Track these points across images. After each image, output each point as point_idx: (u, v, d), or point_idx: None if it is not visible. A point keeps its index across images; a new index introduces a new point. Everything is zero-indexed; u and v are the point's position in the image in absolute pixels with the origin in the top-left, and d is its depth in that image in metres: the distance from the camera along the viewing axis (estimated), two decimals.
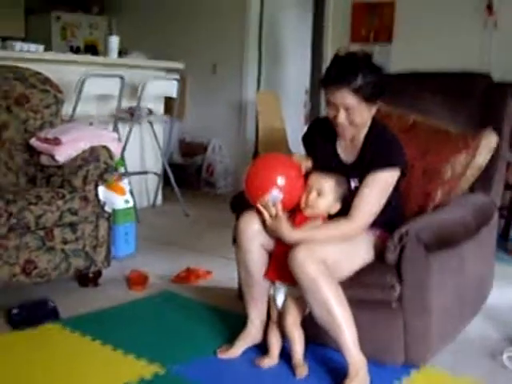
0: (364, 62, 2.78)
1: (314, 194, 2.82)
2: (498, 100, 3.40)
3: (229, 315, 3.47)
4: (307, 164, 2.94)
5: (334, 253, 2.73)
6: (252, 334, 2.99)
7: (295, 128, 6.95)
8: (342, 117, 2.77)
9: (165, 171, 6.30)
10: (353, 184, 2.86)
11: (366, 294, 2.82)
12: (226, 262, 4.29)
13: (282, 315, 2.86)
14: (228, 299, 3.69)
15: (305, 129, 3.25)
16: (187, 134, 7.87)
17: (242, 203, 3.01)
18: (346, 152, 2.95)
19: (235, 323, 3.26)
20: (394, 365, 2.88)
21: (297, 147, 6.13)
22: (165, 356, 2.94)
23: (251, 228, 2.86)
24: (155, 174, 6.40)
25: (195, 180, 7.65)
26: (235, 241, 3.20)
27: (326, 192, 2.81)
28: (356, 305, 2.73)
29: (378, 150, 2.81)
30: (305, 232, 2.76)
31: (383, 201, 2.81)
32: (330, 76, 2.78)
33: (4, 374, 2.77)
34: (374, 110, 2.83)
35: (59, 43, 8.71)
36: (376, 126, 2.90)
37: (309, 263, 2.61)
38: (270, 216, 2.77)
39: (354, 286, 2.78)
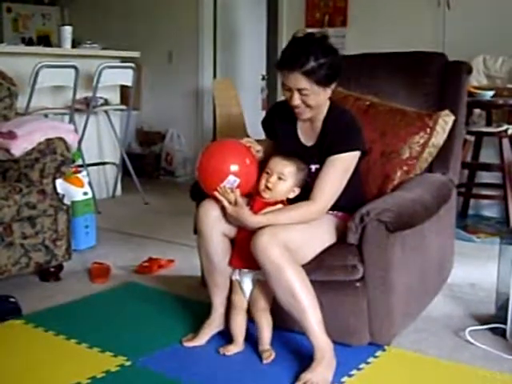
0: (318, 43, 2.77)
1: (274, 177, 2.81)
2: (453, 79, 3.42)
3: (193, 303, 3.46)
4: (256, 147, 2.93)
5: (297, 236, 2.73)
6: (217, 321, 2.99)
7: (253, 114, 6.95)
8: (296, 99, 2.77)
9: (123, 161, 6.24)
10: (313, 167, 2.87)
11: (330, 276, 2.82)
12: (188, 250, 4.28)
13: (251, 301, 2.86)
14: (191, 287, 3.68)
15: (263, 114, 3.24)
16: (144, 124, 7.82)
17: (201, 191, 3.00)
18: (306, 135, 2.95)
19: (199, 311, 3.25)
20: (359, 345, 2.90)
21: (255, 133, 6.13)
22: (130, 348, 2.92)
23: (211, 215, 2.84)
24: (113, 164, 6.34)
25: (154, 169, 7.61)
26: (196, 230, 3.19)
27: (286, 176, 2.81)
28: (319, 287, 2.73)
29: (337, 134, 2.82)
30: (267, 216, 2.76)
31: (344, 182, 2.83)
32: (283, 58, 2.79)
33: None
34: (328, 92, 2.82)
35: (11, 35, 8.56)
36: (335, 108, 2.91)
37: (272, 248, 2.61)
38: (230, 203, 2.76)
39: (317, 268, 2.78)
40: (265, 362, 2.77)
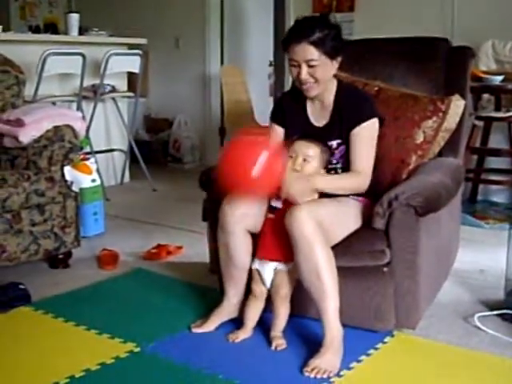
0: (320, 18, 2.89)
1: (300, 159, 2.82)
2: (457, 64, 3.41)
3: (201, 289, 3.46)
4: None
5: (331, 216, 2.74)
6: (227, 310, 2.98)
7: (260, 100, 6.93)
8: (304, 72, 2.80)
9: (131, 148, 6.25)
10: (334, 142, 2.91)
11: (357, 261, 2.82)
12: (196, 236, 4.29)
13: (272, 287, 2.84)
14: (199, 274, 3.69)
15: (271, 100, 3.25)
16: (152, 110, 7.82)
17: (211, 180, 3.00)
18: (318, 115, 2.98)
19: (208, 297, 3.28)
20: (385, 331, 2.91)
21: (263, 119, 6.13)
22: (139, 334, 2.93)
23: (236, 212, 2.81)
24: (121, 151, 6.35)
25: (162, 156, 7.61)
26: (205, 218, 3.21)
27: (311, 157, 2.82)
28: (346, 272, 2.75)
29: (353, 106, 2.88)
30: (324, 178, 2.83)
31: (374, 150, 2.91)
32: (289, 35, 2.84)
33: None
34: (335, 65, 2.87)
35: (18, 23, 8.55)
36: (343, 84, 2.97)
37: (307, 223, 2.61)
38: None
39: (344, 253, 2.78)
40: (274, 348, 2.78)
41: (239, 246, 2.86)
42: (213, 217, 3.05)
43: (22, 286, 3.36)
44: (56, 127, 3.70)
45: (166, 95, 7.68)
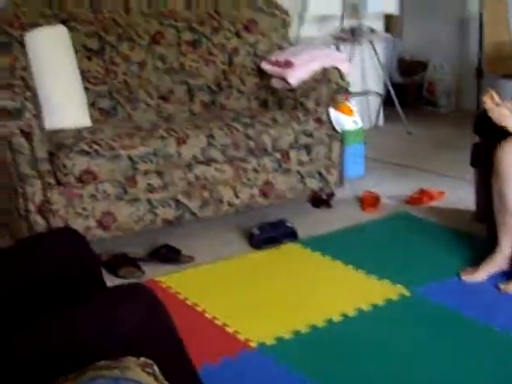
0: None
1: None
2: None
3: (466, 237, 3.38)
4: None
5: None
6: (499, 260, 2.89)
7: None
8: None
9: (387, 91, 6.18)
10: None
11: None
12: (458, 182, 4.17)
13: None
14: (463, 221, 3.59)
15: None
16: (406, 52, 7.66)
17: (486, 124, 2.89)
18: None
19: (474, 246, 3.21)
20: None
21: None
22: (407, 277, 2.93)
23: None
24: (377, 93, 6.30)
25: (415, 99, 7.46)
26: (474, 163, 3.10)
27: None
28: None
29: None
30: None
31: None
32: None
33: (256, 290, 2.90)
34: None
35: None
36: None
37: None
38: None
39: None
40: None
41: None
42: (484, 163, 2.95)
43: (289, 224, 3.48)
44: (324, 69, 3.74)
45: (421, 36, 7.47)
